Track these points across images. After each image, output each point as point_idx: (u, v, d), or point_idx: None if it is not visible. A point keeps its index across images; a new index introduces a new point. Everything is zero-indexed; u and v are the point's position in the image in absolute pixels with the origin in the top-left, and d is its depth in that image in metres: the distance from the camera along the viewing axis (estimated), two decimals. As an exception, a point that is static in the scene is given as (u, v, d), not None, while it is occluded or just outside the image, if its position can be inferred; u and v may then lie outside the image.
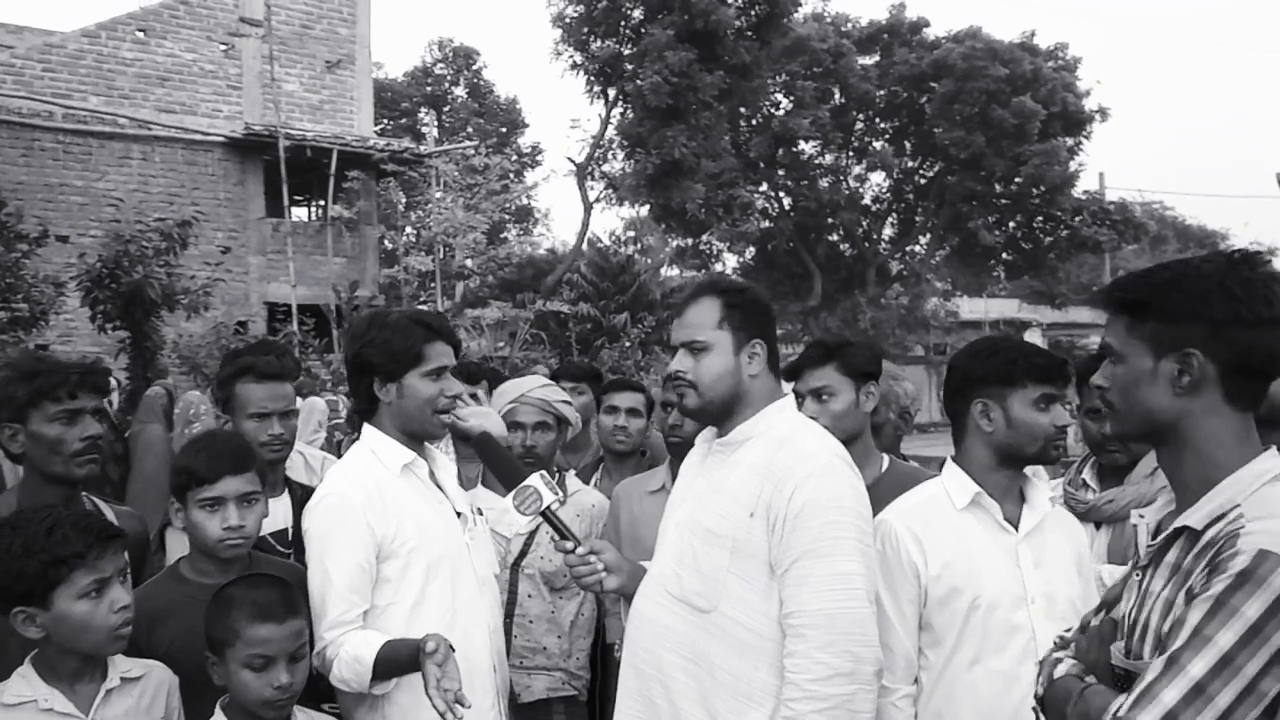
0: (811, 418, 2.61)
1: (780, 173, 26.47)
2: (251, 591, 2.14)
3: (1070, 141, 25.24)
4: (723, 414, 2.27)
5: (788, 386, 3.01)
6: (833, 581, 2.05)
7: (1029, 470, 2.45)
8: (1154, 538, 1.66)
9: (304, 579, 2.42)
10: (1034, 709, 1.78)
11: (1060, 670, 1.73)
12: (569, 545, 2.32)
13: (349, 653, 2.26)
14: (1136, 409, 1.59)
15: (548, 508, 2.29)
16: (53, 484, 2.39)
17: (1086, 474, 3.00)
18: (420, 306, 16.40)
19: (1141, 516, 1.81)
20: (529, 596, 3.20)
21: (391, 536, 2.36)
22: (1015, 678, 2.20)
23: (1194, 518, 1.53)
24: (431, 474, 2.55)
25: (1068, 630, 1.89)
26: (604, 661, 3.34)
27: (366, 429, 2.51)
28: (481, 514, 2.65)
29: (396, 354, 2.42)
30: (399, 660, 2.20)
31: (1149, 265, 1.74)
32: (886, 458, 3.03)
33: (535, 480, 2.29)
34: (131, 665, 2.11)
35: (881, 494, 2.84)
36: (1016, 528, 2.34)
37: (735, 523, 2.15)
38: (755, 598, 2.12)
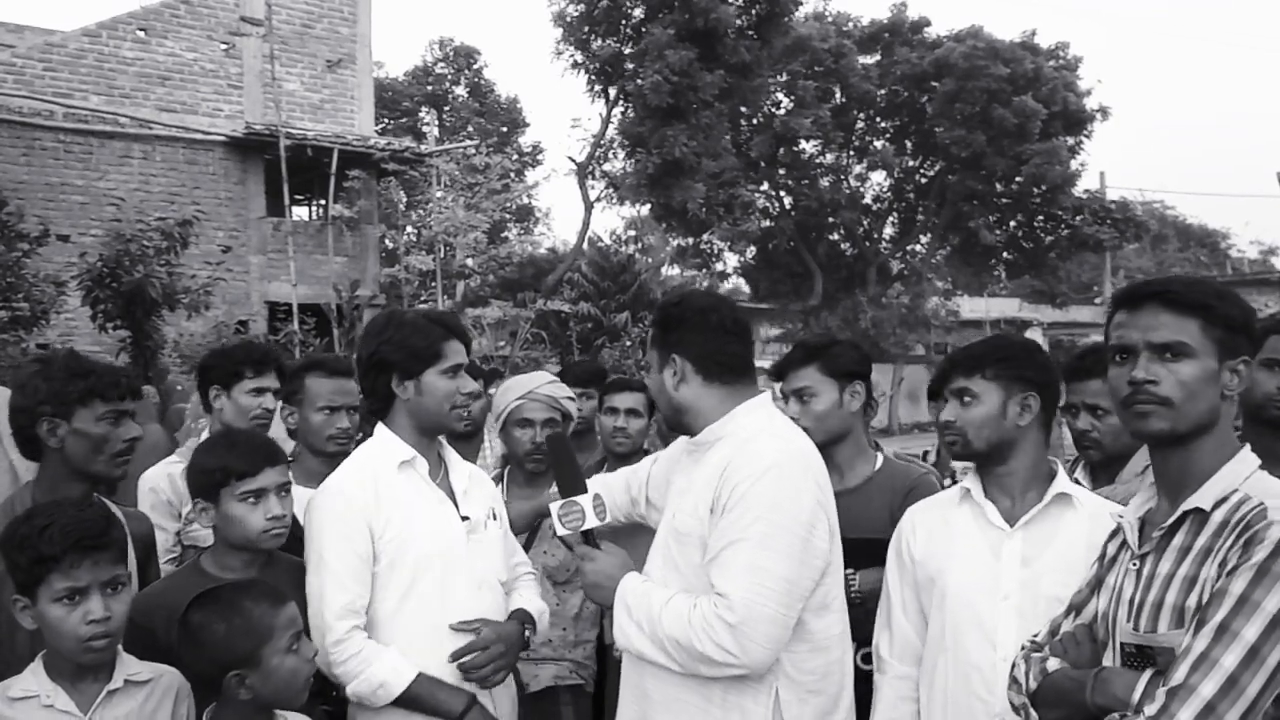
0: (794, 418, 2.66)
1: (781, 172, 26.47)
2: (247, 592, 2.14)
3: (1071, 141, 25.24)
4: (676, 426, 2.44)
5: (776, 386, 3.03)
6: (747, 573, 2.11)
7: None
8: (1140, 531, 1.77)
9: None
10: (1021, 706, 1.80)
11: (1052, 665, 1.78)
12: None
13: (376, 677, 2.32)
14: (1199, 406, 1.69)
15: (587, 530, 2.36)
16: (77, 482, 2.41)
17: (1079, 474, 3.02)
18: (421, 306, 16.40)
19: (1121, 516, 1.82)
20: None
21: (380, 533, 2.39)
22: (974, 667, 2.26)
23: (1204, 500, 1.66)
24: (446, 474, 2.57)
25: (1037, 634, 1.92)
26: (604, 659, 3.37)
27: (379, 427, 2.54)
28: (495, 518, 2.65)
29: (416, 351, 2.45)
30: (424, 703, 2.34)
31: (1152, 265, 1.83)
32: (881, 456, 3.04)
33: (585, 501, 2.35)
34: (141, 668, 2.11)
35: (872, 491, 2.87)
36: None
37: (699, 521, 2.25)
38: None
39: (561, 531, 2.39)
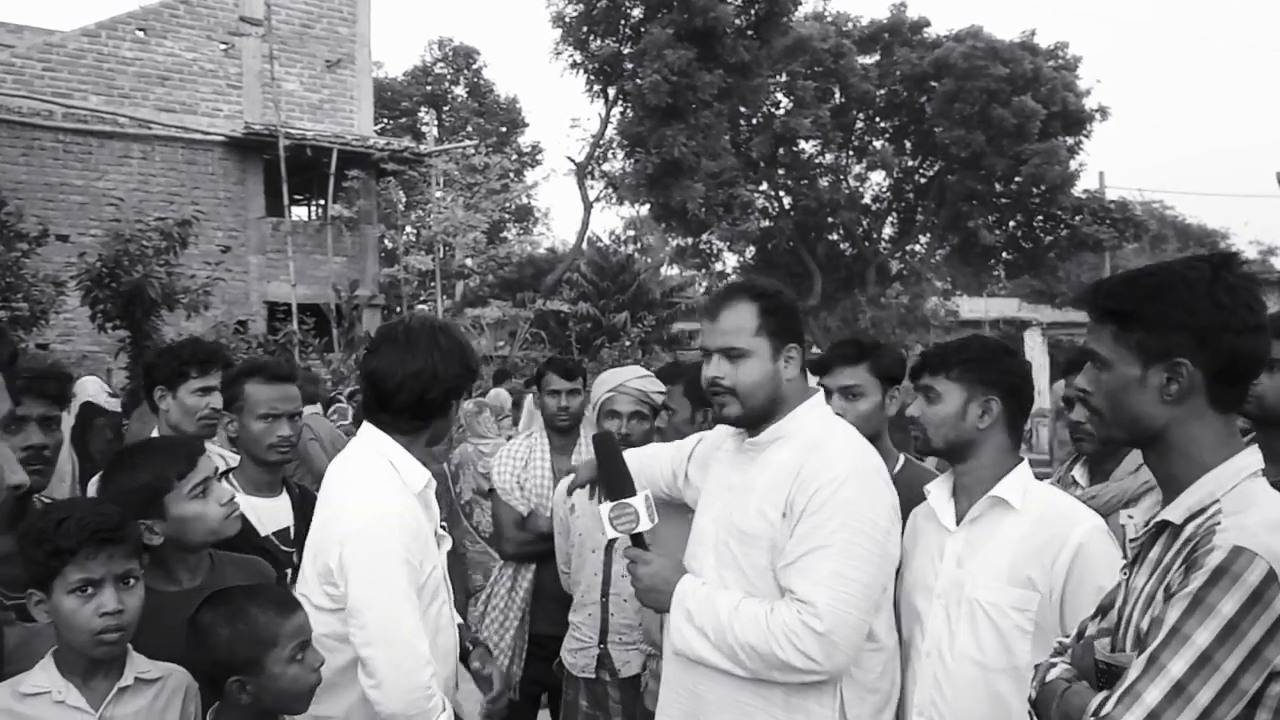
0: (837, 414, 2.66)
1: (780, 172, 26.46)
2: (255, 598, 2.14)
3: (1070, 141, 25.23)
4: (762, 419, 2.31)
5: (813, 380, 3.02)
6: (832, 580, 2.12)
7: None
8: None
9: (267, 575, 2.43)
10: (1029, 713, 1.80)
11: (1053, 674, 1.74)
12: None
13: (449, 705, 2.29)
14: (1124, 415, 1.61)
15: (640, 532, 2.31)
16: None
17: (1076, 471, 3.03)
18: (420, 306, 16.42)
19: (1130, 517, 1.79)
20: (622, 576, 3.24)
21: (420, 559, 2.31)
22: (911, 658, 2.32)
23: (1174, 513, 1.56)
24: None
25: (1066, 636, 1.90)
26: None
27: (388, 443, 2.37)
28: (445, 530, 2.60)
29: (466, 374, 2.42)
30: None
31: (1138, 267, 1.73)
32: (902, 457, 3.06)
33: (638, 503, 2.29)
34: (151, 666, 2.10)
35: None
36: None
37: (769, 523, 2.22)
38: None
39: (611, 534, 2.33)
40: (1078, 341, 29.26)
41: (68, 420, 4.43)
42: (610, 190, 23.84)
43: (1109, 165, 51.50)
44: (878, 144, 27.18)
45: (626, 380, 3.40)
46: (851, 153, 27.59)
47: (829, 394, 2.88)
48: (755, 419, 2.31)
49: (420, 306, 16.56)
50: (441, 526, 2.59)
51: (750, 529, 2.25)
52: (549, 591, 3.67)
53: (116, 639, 2.01)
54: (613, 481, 2.35)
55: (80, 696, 2.00)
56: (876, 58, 26.36)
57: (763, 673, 2.15)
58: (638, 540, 2.34)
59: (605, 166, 23.87)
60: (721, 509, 2.33)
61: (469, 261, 16.72)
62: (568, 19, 21.30)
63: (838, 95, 25.67)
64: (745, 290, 2.34)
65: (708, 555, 2.33)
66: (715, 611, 2.19)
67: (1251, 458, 1.58)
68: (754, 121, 25.76)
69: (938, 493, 2.40)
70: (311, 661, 2.11)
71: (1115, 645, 1.62)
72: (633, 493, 2.31)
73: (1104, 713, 1.45)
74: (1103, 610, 1.81)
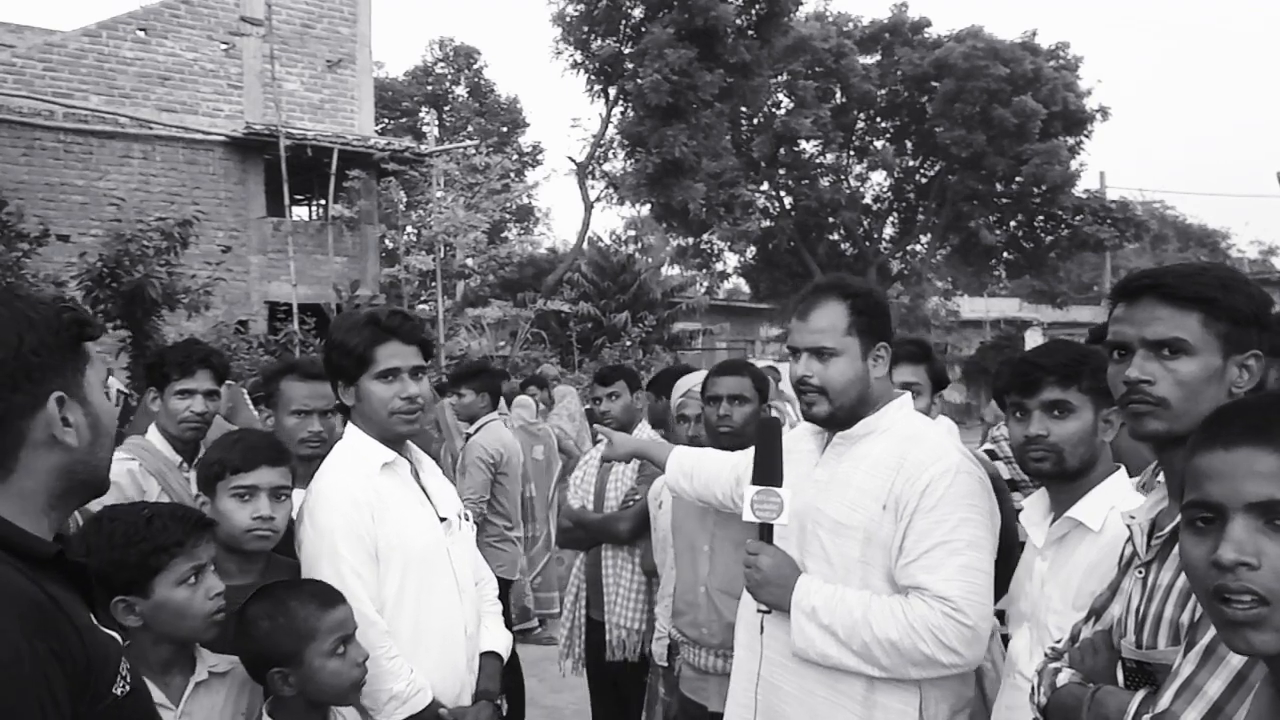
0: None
1: (781, 172, 26.48)
2: (297, 592, 2.15)
3: (1071, 141, 25.26)
4: (850, 418, 2.33)
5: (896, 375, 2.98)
6: (964, 574, 2.14)
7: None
8: (1149, 536, 1.66)
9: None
10: None
11: (1062, 679, 1.72)
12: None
13: (419, 680, 2.33)
14: (1199, 408, 1.56)
15: (771, 525, 2.34)
16: None
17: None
18: (421, 306, 16.41)
19: (1133, 518, 1.72)
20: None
21: (378, 533, 2.37)
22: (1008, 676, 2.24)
23: None
24: (416, 475, 2.55)
25: (1058, 641, 1.88)
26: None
27: (349, 427, 2.52)
28: (468, 519, 2.66)
29: (350, 356, 2.41)
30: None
31: (1152, 265, 1.72)
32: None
33: (785, 494, 2.31)
34: (219, 660, 2.13)
35: None
36: None
37: (867, 515, 2.24)
38: (878, 581, 2.24)
39: (749, 517, 2.32)
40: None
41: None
42: (611, 190, 23.85)
43: (1109, 165, 51.60)
44: (878, 144, 27.21)
45: (694, 386, 3.54)
46: (852, 153, 27.60)
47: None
48: (843, 418, 2.33)
49: (421, 306, 16.54)
50: (465, 517, 2.63)
51: (844, 519, 2.26)
52: (592, 580, 3.95)
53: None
54: (766, 468, 2.34)
55: (159, 692, 1.99)
56: (877, 58, 26.38)
57: (898, 669, 2.16)
58: (766, 533, 2.34)
59: (606, 166, 23.89)
60: (806, 503, 2.33)
61: (470, 261, 16.71)
62: (568, 18, 21.31)
63: (838, 95, 25.69)
64: (835, 289, 2.36)
65: (789, 547, 2.34)
66: (848, 609, 2.19)
67: None
68: (755, 121, 25.77)
69: (1030, 510, 2.27)
70: (354, 656, 2.14)
71: (1141, 644, 1.60)
72: (780, 484, 2.31)
73: (1159, 710, 1.43)
74: (1096, 613, 1.79)
